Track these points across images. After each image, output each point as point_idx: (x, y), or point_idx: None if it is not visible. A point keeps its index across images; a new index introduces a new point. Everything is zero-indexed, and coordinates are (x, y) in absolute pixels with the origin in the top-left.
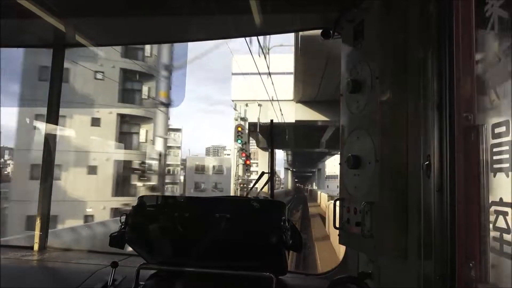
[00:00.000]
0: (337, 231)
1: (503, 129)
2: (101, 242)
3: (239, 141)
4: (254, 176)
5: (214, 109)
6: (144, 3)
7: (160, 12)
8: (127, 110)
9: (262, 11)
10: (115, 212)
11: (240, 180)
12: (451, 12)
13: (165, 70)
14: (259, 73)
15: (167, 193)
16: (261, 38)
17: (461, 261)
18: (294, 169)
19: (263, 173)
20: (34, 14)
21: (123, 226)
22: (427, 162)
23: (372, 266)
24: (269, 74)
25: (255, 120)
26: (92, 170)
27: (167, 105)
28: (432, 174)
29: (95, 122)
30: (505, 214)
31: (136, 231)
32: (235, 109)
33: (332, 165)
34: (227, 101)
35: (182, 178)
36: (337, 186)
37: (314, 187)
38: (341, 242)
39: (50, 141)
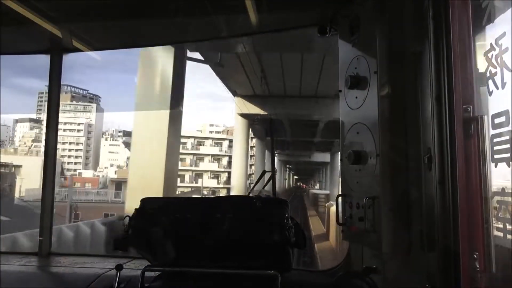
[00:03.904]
0: None
1: (503, 119)
2: None
3: None
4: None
5: None
6: (140, 6)
7: (157, 14)
8: None
9: (258, 10)
10: None
11: None
12: (447, 4)
13: None
14: None
15: None
16: None
17: (464, 252)
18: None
19: (264, 172)
20: (31, 21)
21: (126, 229)
22: (428, 155)
23: (376, 260)
24: None
25: None
26: None
27: None
28: (433, 166)
29: None
30: (507, 204)
31: (139, 233)
32: None
33: None
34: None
35: None
36: None
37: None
38: (344, 237)
39: (50, 147)
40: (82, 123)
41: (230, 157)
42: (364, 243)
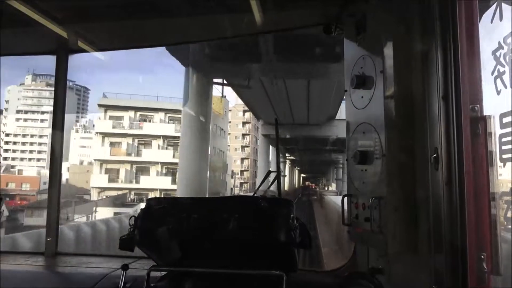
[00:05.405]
0: None
1: (511, 118)
2: None
3: None
4: None
5: None
6: (145, 6)
7: (161, 15)
8: None
9: (263, 9)
10: None
11: None
12: (454, 2)
13: None
14: None
15: None
16: None
17: (472, 253)
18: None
19: (269, 172)
20: (36, 22)
21: (132, 229)
22: (435, 155)
23: (382, 261)
24: None
25: None
26: None
27: None
28: (440, 167)
29: None
30: None
31: (145, 233)
32: None
33: None
34: None
35: None
36: None
37: None
38: (350, 238)
39: (56, 147)
40: (47, 112)
41: None
42: (370, 244)
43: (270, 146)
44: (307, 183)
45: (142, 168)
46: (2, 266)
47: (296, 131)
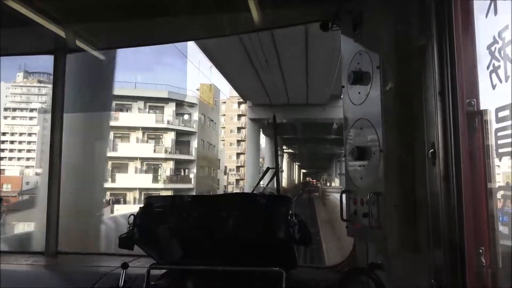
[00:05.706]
0: None
1: (507, 112)
2: None
3: None
4: None
5: None
6: (143, 5)
7: (159, 14)
8: None
9: (261, 7)
10: None
11: None
12: None
13: None
14: None
15: None
16: None
17: (470, 247)
18: None
19: (268, 169)
20: (34, 22)
21: (131, 227)
22: (432, 150)
23: (381, 257)
24: None
25: None
26: None
27: None
28: (437, 161)
29: None
30: None
31: (144, 231)
32: None
33: None
34: None
35: None
36: None
37: None
38: (349, 234)
39: (56, 146)
40: (36, 109)
41: (181, 133)
42: (369, 239)
43: (262, 135)
44: (308, 179)
45: (119, 165)
46: (2, 266)
47: (292, 114)
